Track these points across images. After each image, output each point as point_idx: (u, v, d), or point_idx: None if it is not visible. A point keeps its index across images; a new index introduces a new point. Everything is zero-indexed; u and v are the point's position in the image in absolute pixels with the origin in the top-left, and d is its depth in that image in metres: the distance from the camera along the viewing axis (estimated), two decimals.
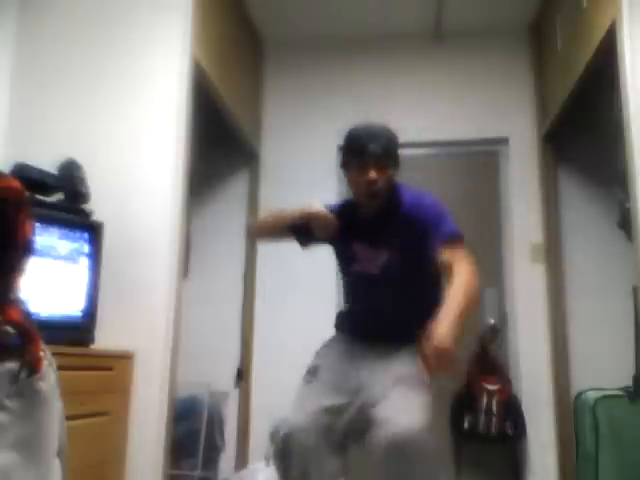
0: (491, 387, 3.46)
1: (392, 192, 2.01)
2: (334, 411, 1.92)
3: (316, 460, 1.88)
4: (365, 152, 1.90)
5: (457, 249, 1.90)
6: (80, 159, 2.58)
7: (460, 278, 1.84)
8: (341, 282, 2.26)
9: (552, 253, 3.69)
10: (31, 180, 2.32)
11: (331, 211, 2.00)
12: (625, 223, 3.01)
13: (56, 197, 2.52)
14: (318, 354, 2.13)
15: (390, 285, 2.00)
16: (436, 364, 1.65)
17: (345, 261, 2.12)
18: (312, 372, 2.05)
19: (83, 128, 2.81)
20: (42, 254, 2.26)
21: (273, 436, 2.09)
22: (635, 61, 2.48)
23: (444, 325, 1.66)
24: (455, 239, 1.91)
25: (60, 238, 2.35)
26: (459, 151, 4.07)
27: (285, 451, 1.88)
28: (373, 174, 1.90)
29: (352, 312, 2.19)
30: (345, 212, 2.06)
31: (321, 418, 1.89)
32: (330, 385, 1.98)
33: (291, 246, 4.14)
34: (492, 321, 3.69)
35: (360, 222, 2.05)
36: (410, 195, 2.02)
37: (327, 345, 2.16)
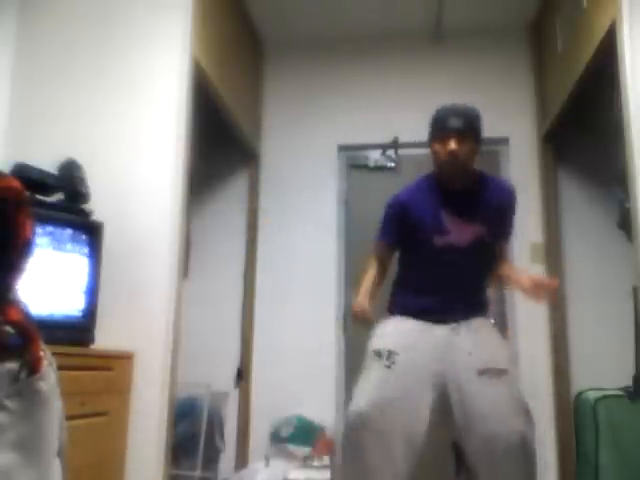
0: None
1: (476, 173, 2.25)
2: (416, 402, 1.96)
3: (390, 452, 1.92)
4: (447, 125, 2.10)
5: (505, 247, 2.34)
6: (80, 159, 2.58)
7: (509, 265, 2.31)
8: (408, 261, 2.26)
9: (552, 253, 3.69)
10: (31, 180, 2.32)
11: (409, 194, 2.23)
12: (625, 223, 3.01)
13: (56, 197, 2.52)
14: (385, 336, 2.12)
15: (472, 261, 2.16)
16: (538, 292, 2.07)
17: (430, 233, 2.16)
18: (387, 356, 2.03)
19: (83, 128, 2.81)
20: (42, 254, 2.26)
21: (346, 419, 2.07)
22: (635, 61, 2.48)
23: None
24: (509, 239, 2.35)
25: (60, 238, 2.35)
26: None
27: (359, 437, 1.92)
28: (453, 145, 2.09)
29: (422, 280, 2.20)
30: (426, 186, 2.24)
31: (402, 407, 1.94)
32: (410, 373, 2.00)
33: (291, 246, 4.14)
34: (492, 321, 3.69)
35: (449, 195, 2.19)
36: (499, 181, 2.35)
37: (394, 327, 2.15)
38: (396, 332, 2.13)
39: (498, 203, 2.23)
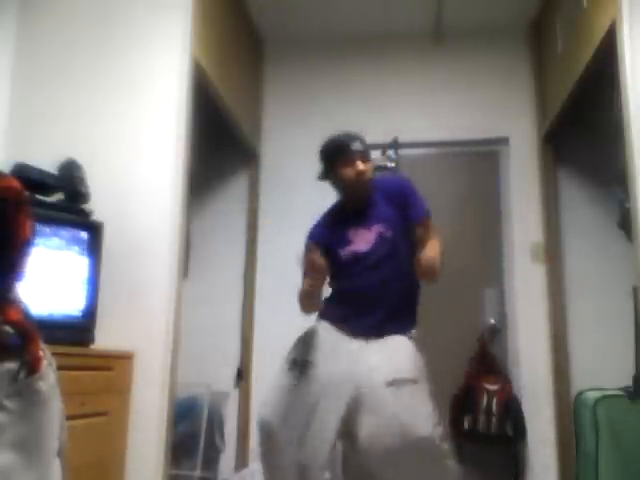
0: (491, 387, 3.47)
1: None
2: (327, 411, 2.03)
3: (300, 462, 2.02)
4: (351, 149, 2.22)
5: (429, 227, 2.24)
6: (80, 159, 2.58)
7: (434, 240, 2.20)
8: (333, 277, 2.31)
9: (552, 253, 3.69)
10: (31, 180, 2.32)
11: (320, 223, 2.36)
12: (625, 223, 3.01)
13: (56, 197, 2.52)
14: (304, 344, 2.20)
15: (380, 260, 2.20)
16: (426, 274, 2.09)
17: (339, 249, 2.25)
18: (300, 365, 2.12)
19: (83, 128, 2.81)
20: (42, 254, 2.26)
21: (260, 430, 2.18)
22: (635, 61, 2.48)
23: (432, 252, 2.10)
24: (427, 218, 2.26)
25: (60, 238, 2.35)
26: (459, 151, 4.06)
27: (270, 448, 2.07)
28: (361, 165, 2.21)
29: (341, 296, 2.27)
30: (335, 213, 2.36)
31: (311, 417, 2.02)
32: (323, 384, 2.06)
33: (291, 246, 4.13)
34: (492, 321, 3.69)
35: (352, 213, 2.30)
36: (383, 179, 2.46)
37: (313, 335, 2.23)
38: (315, 341, 2.20)
39: (388, 196, 2.28)
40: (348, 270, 2.22)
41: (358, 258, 2.21)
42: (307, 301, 2.25)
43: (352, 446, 2.05)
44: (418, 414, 2.01)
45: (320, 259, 2.13)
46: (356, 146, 2.22)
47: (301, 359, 2.14)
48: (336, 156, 2.25)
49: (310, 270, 2.16)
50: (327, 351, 2.14)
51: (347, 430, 2.04)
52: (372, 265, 2.19)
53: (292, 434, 2.03)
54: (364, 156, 2.24)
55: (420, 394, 2.06)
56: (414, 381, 2.07)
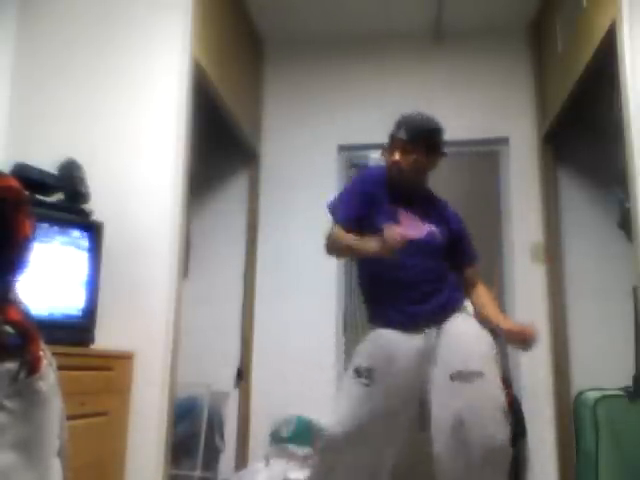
0: None
1: (427, 189, 2.30)
2: (394, 416, 1.98)
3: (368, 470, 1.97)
4: (394, 135, 2.16)
5: (476, 269, 2.29)
6: (80, 159, 2.58)
7: (484, 290, 2.24)
8: (369, 270, 2.18)
9: (552, 253, 3.69)
10: (31, 180, 2.32)
11: (375, 181, 2.20)
12: (625, 223, 3.01)
13: (56, 197, 2.52)
14: (364, 353, 2.09)
15: (430, 257, 2.12)
16: (526, 345, 2.00)
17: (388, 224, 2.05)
18: (365, 374, 2.02)
19: (83, 128, 2.81)
20: (42, 254, 2.26)
21: (321, 442, 2.08)
22: (635, 61, 2.48)
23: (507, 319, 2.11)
24: (476, 262, 2.32)
25: (60, 238, 2.35)
26: (459, 151, 4.06)
27: (333, 462, 1.98)
28: (397, 155, 2.13)
29: (387, 297, 2.13)
30: (381, 181, 2.21)
31: (380, 426, 1.96)
32: (390, 390, 2.00)
33: (291, 246, 4.12)
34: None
35: (401, 194, 2.18)
36: (445, 202, 2.35)
37: (373, 343, 2.11)
38: (374, 347, 2.09)
39: (449, 220, 2.25)
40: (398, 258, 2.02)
41: (410, 246, 1.98)
42: (344, 252, 2.16)
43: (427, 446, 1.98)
44: (489, 413, 1.90)
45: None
46: (400, 133, 2.13)
47: (365, 367, 2.03)
48: (389, 137, 2.19)
49: (387, 244, 1.85)
50: (390, 355, 2.04)
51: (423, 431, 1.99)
52: (417, 255, 2.06)
53: (365, 446, 1.96)
54: (406, 147, 2.12)
55: (488, 388, 1.94)
56: (480, 374, 1.94)
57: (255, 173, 4.13)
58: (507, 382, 3.53)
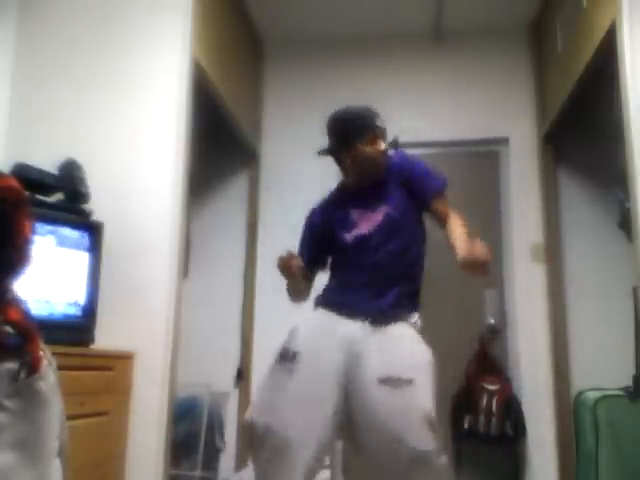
0: (491, 387, 3.47)
1: None
2: (318, 404, 1.86)
3: (292, 456, 1.82)
4: (375, 125, 2.05)
5: (446, 200, 2.10)
6: (80, 159, 2.58)
7: (457, 218, 2.03)
8: (335, 262, 2.17)
9: (552, 253, 3.69)
10: (31, 180, 2.32)
11: (322, 206, 2.22)
12: (625, 223, 3.01)
13: (56, 197, 2.52)
14: (293, 334, 2.01)
15: (385, 242, 2.04)
16: (477, 271, 1.81)
17: (344, 232, 2.09)
18: (290, 357, 1.95)
19: (83, 128, 2.81)
20: (42, 254, 2.26)
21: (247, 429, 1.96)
22: (635, 61, 2.48)
23: (470, 242, 1.85)
24: (444, 191, 2.11)
25: (60, 238, 2.35)
26: (459, 151, 4.06)
27: (261, 445, 1.85)
28: (383, 144, 2.05)
29: (342, 280, 2.10)
30: (336, 195, 2.21)
31: (303, 412, 1.84)
32: (314, 375, 1.90)
33: (291, 246, 4.12)
34: (492, 321, 3.69)
35: (355, 195, 2.13)
36: (396, 156, 2.19)
37: (305, 324, 2.05)
38: (305, 329, 2.02)
39: (398, 176, 2.11)
40: (352, 254, 2.06)
41: (363, 240, 2.04)
42: (293, 293, 2.16)
43: (352, 445, 1.91)
44: (413, 423, 1.80)
45: (296, 264, 2.00)
46: (380, 123, 2.05)
47: (291, 351, 1.96)
48: (357, 131, 2.04)
49: (285, 273, 2.02)
50: (317, 337, 1.97)
51: (344, 426, 1.89)
52: (376, 247, 2.02)
53: (289, 431, 1.84)
54: (385, 135, 2.07)
55: (416, 397, 1.85)
56: (410, 381, 1.85)
57: (255, 173, 4.13)
58: (505, 380, 3.54)
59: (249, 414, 1.92)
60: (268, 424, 1.85)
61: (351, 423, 1.88)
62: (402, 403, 1.81)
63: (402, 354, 1.92)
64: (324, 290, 2.14)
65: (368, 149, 2.05)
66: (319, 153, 2.18)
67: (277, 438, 1.83)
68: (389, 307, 1.99)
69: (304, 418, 1.85)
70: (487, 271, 1.80)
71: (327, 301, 2.07)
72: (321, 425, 1.85)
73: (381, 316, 1.97)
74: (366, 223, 2.06)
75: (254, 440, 1.88)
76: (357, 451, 1.90)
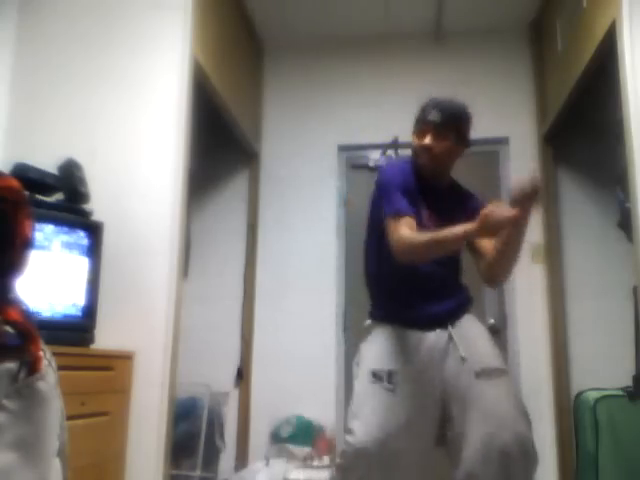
0: None
1: (451, 178, 2.14)
2: (423, 424, 1.87)
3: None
4: (426, 118, 2.00)
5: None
6: (80, 159, 2.57)
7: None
8: (384, 257, 1.97)
9: (552, 253, 3.69)
10: (31, 180, 2.32)
11: (403, 180, 2.02)
12: (625, 223, 3.01)
13: (56, 197, 2.52)
14: (379, 353, 1.95)
15: (447, 259, 2.01)
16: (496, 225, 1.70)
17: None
18: (387, 378, 1.89)
19: (83, 128, 2.81)
20: (42, 254, 2.26)
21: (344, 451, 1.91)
22: (635, 61, 2.48)
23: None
24: None
25: (60, 238, 2.35)
26: None
27: (361, 475, 1.83)
28: (428, 140, 1.98)
29: (402, 292, 2.01)
30: (409, 172, 2.07)
31: (407, 436, 1.84)
32: (415, 392, 1.89)
33: (291, 246, 4.12)
34: (492, 321, 3.69)
35: (428, 189, 2.05)
36: (465, 187, 2.21)
37: (386, 341, 1.97)
38: (389, 347, 1.96)
39: (472, 210, 2.00)
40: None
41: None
42: (428, 250, 1.85)
43: (458, 452, 1.86)
44: (519, 409, 1.85)
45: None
46: (432, 116, 1.98)
47: (385, 370, 1.90)
48: (415, 120, 2.06)
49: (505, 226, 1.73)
50: (407, 354, 1.92)
51: (446, 433, 1.88)
52: (441, 260, 1.96)
53: (389, 452, 1.82)
54: (440, 131, 1.98)
55: (511, 385, 1.91)
56: (504, 371, 1.91)
57: (255, 173, 4.13)
58: None
59: (360, 442, 1.84)
60: (378, 443, 1.82)
61: (453, 429, 1.88)
62: (506, 391, 1.87)
63: (485, 345, 1.97)
64: (383, 301, 2.07)
65: (414, 140, 2.05)
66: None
67: (393, 456, 1.83)
68: (455, 308, 2.01)
69: (414, 434, 1.86)
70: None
71: (389, 316, 2.02)
72: (426, 440, 1.88)
73: (451, 317, 1.99)
74: (433, 227, 1.94)
75: (359, 462, 1.85)
76: (457, 460, 1.86)
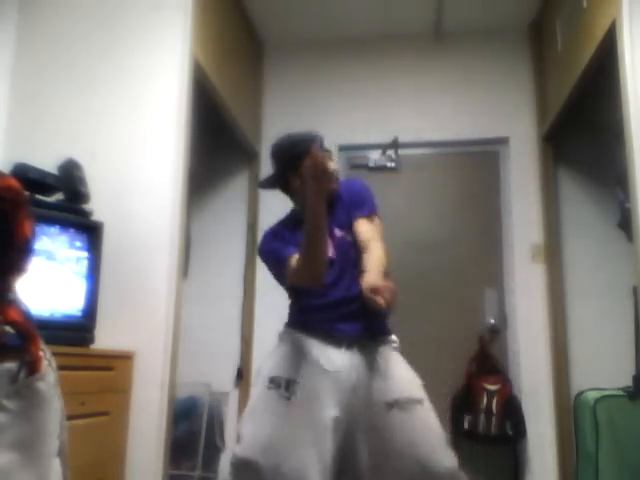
0: (491, 387, 3.47)
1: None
2: (318, 443, 1.73)
3: None
4: (322, 146, 2.02)
5: (375, 224, 2.00)
6: (80, 159, 2.57)
7: (378, 251, 1.90)
8: (296, 293, 2.03)
9: (552, 253, 3.69)
10: (31, 180, 2.32)
11: (280, 228, 2.14)
12: (625, 223, 3.01)
13: (56, 197, 2.52)
14: (281, 360, 1.88)
15: (344, 267, 1.94)
16: (383, 300, 1.65)
17: None
18: (285, 386, 1.80)
19: (83, 128, 2.81)
20: (42, 254, 2.26)
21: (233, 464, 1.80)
22: (635, 61, 2.48)
23: (372, 273, 1.75)
24: (374, 214, 2.02)
25: (60, 238, 2.35)
26: (459, 151, 4.06)
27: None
28: (333, 164, 2.01)
29: (310, 309, 1.96)
30: (288, 223, 2.16)
31: (299, 452, 1.72)
32: (312, 406, 1.78)
33: None
34: (492, 321, 3.69)
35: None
36: (344, 181, 2.16)
37: (291, 350, 1.90)
38: (293, 356, 1.88)
39: (350, 200, 2.04)
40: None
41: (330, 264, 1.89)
42: (309, 260, 1.79)
43: None
44: (432, 441, 1.77)
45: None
46: (324, 145, 2.06)
47: (284, 378, 1.81)
48: (300, 156, 1.96)
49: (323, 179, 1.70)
50: (312, 365, 1.83)
51: (347, 463, 1.77)
52: (337, 275, 1.91)
53: (276, 470, 1.70)
54: (330, 154, 2.06)
55: (430, 416, 1.81)
56: (419, 401, 1.81)
57: (255, 173, 4.13)
58: (505, 380, 3.54)
59: (247, 452, 1.75)
60: (278, 465, 1.70)
61: (354, 460, 1.77)
62: (418, 425, 1.78)
63: (402, 375, 1.88)
64: (297, 312, 2.02)
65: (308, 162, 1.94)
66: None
67: (282, 473, 1.70)
68: (371, 329, 1.90)
69: (307, 453, 1.73)
70: (391, 301, 1.66)
71: (308, 329, 1.92)
72: (323, 467, 1.73)
73: (366, 340, 1.89)
74: (335, 242, 1.95)
75: (240, 474, 1.76)
76: None
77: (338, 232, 1.99)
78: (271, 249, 2.05)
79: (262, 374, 1.88)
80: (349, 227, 2.00)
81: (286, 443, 1.74)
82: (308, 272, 1.82)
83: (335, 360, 1.84)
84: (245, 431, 1.80)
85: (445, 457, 1.77)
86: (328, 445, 1.74)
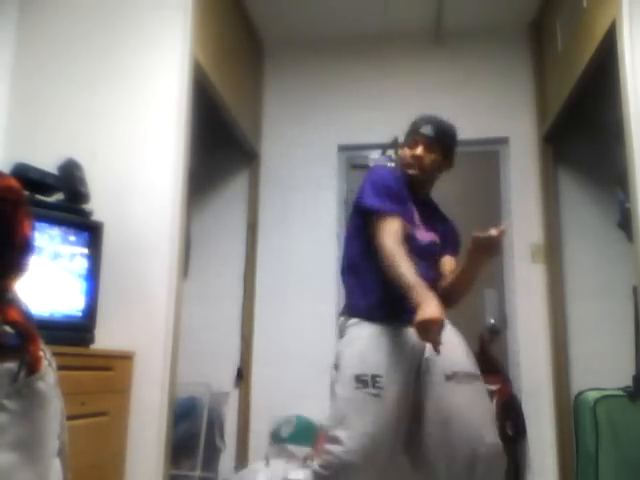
0: (491, 387, 3.46)
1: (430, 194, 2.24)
2: (398, 430, 1.86)
3: None
4: (419, 131, 2.11)
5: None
6: (80, 159, 2.57)
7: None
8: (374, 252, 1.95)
9: (552, 253, 3.69)
10: (31, 180, 2.32)
11: (400, 181, 2.08)
12: (625, 223, 3.01)
13: (56, 197, 2.52)
14: (362, 355, 1.89)
15: (429, 260, 2.06)
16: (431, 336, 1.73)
17: (414, 230, 2.05)
18: (372, 383, 1.83)
19: (83, 128, 2.81)
20: (42, 254, 2.26)
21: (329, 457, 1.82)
22: (635, 61, 2.48)
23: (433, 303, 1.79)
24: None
25: (60, 238, 2.35)
26: (459, 151, 4.04)
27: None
28: (419, 150, 2.07)
29: (387, 287, 1.91)
30: (401, 178, 2.12)
31: (392, 439, 1.84)
32: (399, 396, 1.86)
33: (291, 246, 4.12)
34: (492, 321, 3.69)
35: (417, 197, 2.14)
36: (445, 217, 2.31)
37: (368, 341, 1.92)
38: (372, 347, 1.90)
39: (448, 229, 2.24)
40: (410, 250, 1.91)
41: (418, 246, 2.00)
42: (391, 270, 1.85)
43: (415, 456, 1.89)
44: (483, 416, 1.86)
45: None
46: (425, 130, 2.09)
47: (368, 374, 1.85)
48: (407, 135, 2.15)
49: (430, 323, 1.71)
50: (390, 354, 1.89)
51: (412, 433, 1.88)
52: (426, 260, 2.01)
53: (379, 467, 1.81)
54: (431, 145, 2.08)
55: (482, 391, 1.91)
56: (477, 377, 1.92)
57: (255, 173, 4.13)
58: (505, 380, 3.53)
59: (350, 456, 1.78)
60: (361, 467, 1.78)
61: (419, 430, 1.88)
62: (473, 397, 1.87)
63: (460, 350, 1.99)
64: (365, 296, 2.01)
65: (405, 152, 2.13)
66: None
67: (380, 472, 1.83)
68: None
69: (393, 443, 1.86)
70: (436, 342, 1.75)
71: (381, 313, 1.96)
72: (395, 442, 1.87)
73: None
74: (421, 233, 2.07)
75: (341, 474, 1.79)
76: (418, 463, 1.88)
77: (432, 235, 2.12)
78: (389, 186, 2.03)
79: (345, 372, 1.89)
80: (442, 237, 2.16)
81: (386, 439, 1.83)
82: (389, 276, 1.88)
83: (408, 341, 1.91)
84: (343, 434, 1.80)
85: (492, 433, 1.84)
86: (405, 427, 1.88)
